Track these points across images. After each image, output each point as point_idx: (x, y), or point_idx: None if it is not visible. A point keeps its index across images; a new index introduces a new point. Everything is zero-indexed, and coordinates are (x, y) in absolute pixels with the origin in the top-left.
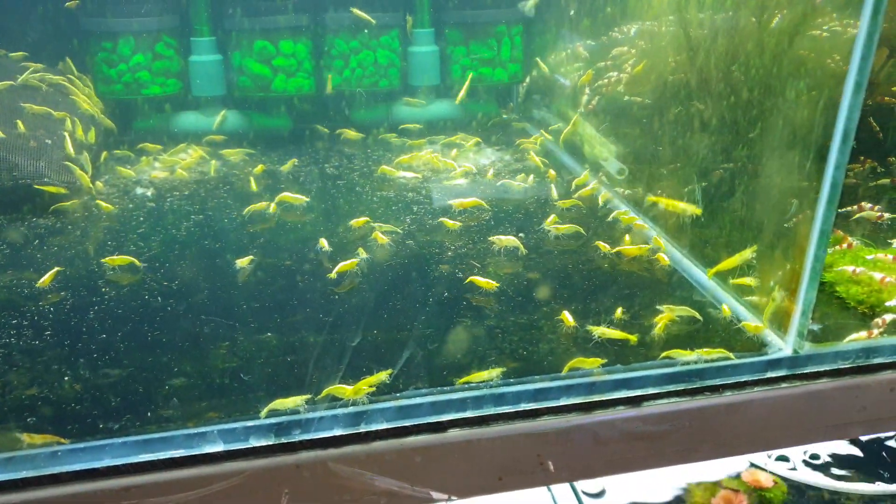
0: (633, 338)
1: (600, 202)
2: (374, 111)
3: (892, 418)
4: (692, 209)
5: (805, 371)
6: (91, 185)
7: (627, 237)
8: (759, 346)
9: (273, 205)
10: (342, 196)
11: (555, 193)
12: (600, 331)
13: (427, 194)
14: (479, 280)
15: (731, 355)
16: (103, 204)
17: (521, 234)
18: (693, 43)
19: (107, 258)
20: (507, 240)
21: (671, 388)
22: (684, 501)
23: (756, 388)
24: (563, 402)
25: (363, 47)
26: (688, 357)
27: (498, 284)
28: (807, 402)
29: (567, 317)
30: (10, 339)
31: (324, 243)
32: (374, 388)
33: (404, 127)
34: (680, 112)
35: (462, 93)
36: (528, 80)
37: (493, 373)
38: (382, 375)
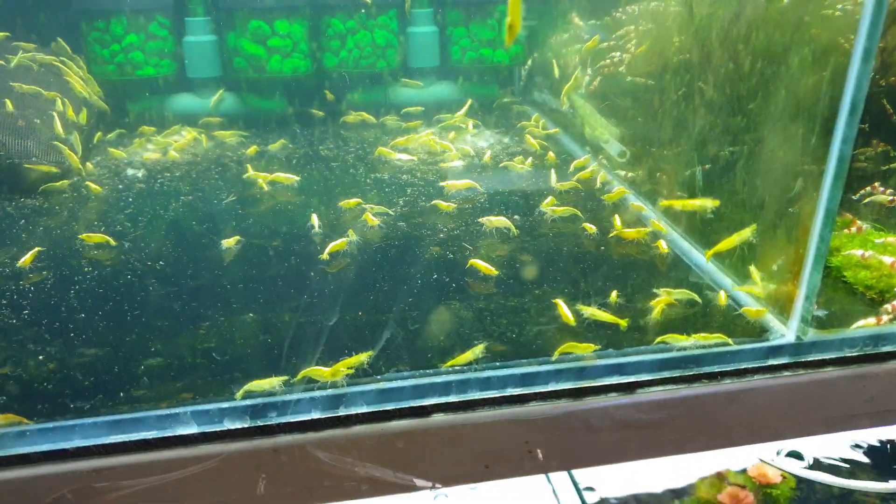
0: (623, 322)
1: (598, 184)
2: (372, 93)
3: None
4: (710, 203)
5: (809, 359)
6: (80, 167)
7: (617, 218)
8: (761, 331)
9: (263, 182)
10: (335, 178)
11: (553, 176)
12: (590, 311)
13: (422, 177)
14: (480, 264)
15: (729, 341)
16: (92, 185)
17: (515, 217)
18: (695, 17)
19: (83, 234)
20: (498, 220)
21: (667, 374)
22: (689, 497)
23: (757, 376)
24: (552, 387)
25: (360, 27)
26: (684, 342)
27: (498, 272)
28: (810, 392)
29: (563, 309)
30: None
31: (315, 220)
32: (352, 371)
33: (407, 110)
34: (681, 91)
35: (462, 112)
36: (530, 62)
37: (476, 351)
38: (362, 357)
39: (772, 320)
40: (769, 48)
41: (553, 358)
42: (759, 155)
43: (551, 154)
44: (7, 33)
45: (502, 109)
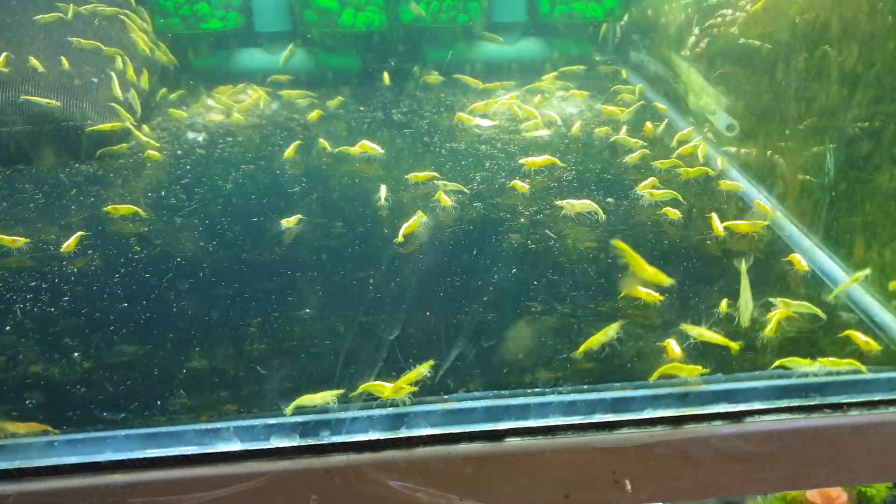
0: (736, 345)
1: (700, 160)
2: (452, 50)
3: None
4: None
5: None
6: (139, 131)
7: (715, 218)
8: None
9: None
10: (408, 147)
11: (634, 154)
12: (697, 332)
13: (502, 147)
14: (641, 291)
15: (862, 367)
16: (149, 151)
17: (608, 200)
18: None
19: (109, 207)
20: (581, 204)
21: (782, 403)
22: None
23: (892, 408)
24: (647, 414)
25: None
26: (808, 368)
27: (662, 298)
28: None
29: (672, 346)
30: (26, 304)
31: (383, 192)
32: (416, 388)
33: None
34: (811, 60)
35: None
36: (626, 17)
37: (611, 330)
38: (422, 369)
39: None
40: None
41: (651, 380)
42: None
43: (648, 125)
44: None
45: (594, 70)
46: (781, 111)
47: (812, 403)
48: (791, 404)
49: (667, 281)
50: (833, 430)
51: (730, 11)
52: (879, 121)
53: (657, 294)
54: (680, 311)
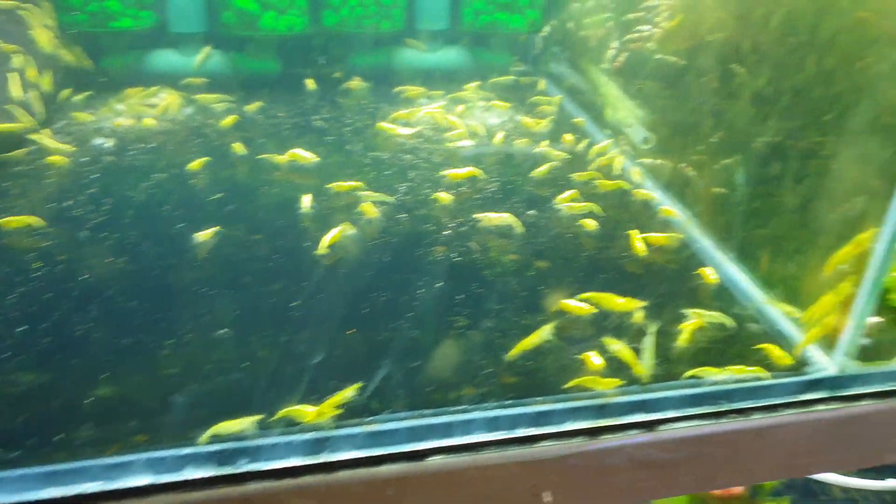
0: (644, 370)
1: (617, 171)
2: (374, 56)
3: None
4: None
5: (847, 393)
6: (40, 134)
7: (636, 237)
8: (800, 364)
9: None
10: (330, 155)
11: (542, 168)
12: (617, 348)
13: (427, 157)
14: (571, 306)
15: (766, 374)
16: (53, 157)
17: (529, 213)
18: None
19: (2, 219)
20: (499, 218)
21: (693, 411)
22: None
23: (789, 411)
24: (567, 426)
25: None
26: (717, 376)
27: (595, 310)
28: (844, 427)
29: (591, 359)
30: None
31: (305, 202)
32: (341, 411)
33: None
34: (723, 77)
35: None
36: (547, 29)
37: (544, 332)
38: (347, 392)
39: (814, 352)
40: (845, 46)
41: (566, 386)
42: (823, 165)
43: (569, 136)
44: None
45: (515, 81)
46: (694, 126)
47: (720, 409)
48: (701, 411)
49: (639, 304)
50: (737, 434)
51: (647, 27)
52: (783, 138)
53: (587, 307)
54: (599, 322)
